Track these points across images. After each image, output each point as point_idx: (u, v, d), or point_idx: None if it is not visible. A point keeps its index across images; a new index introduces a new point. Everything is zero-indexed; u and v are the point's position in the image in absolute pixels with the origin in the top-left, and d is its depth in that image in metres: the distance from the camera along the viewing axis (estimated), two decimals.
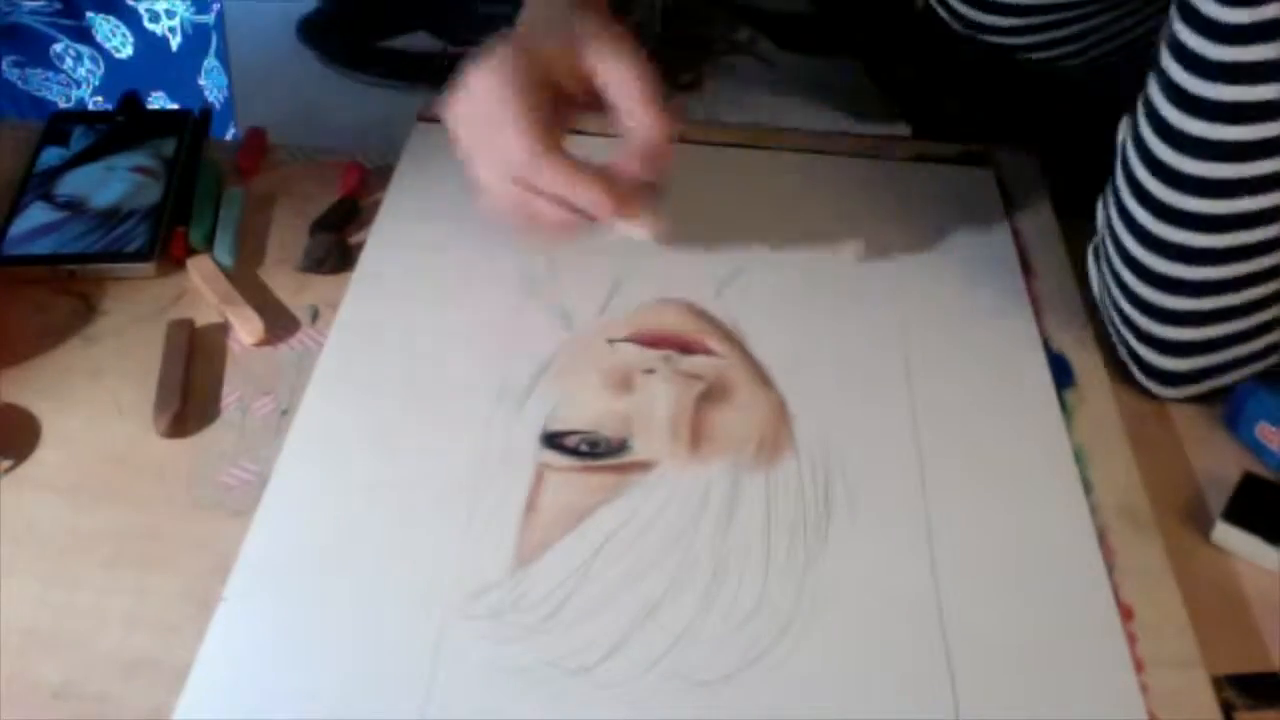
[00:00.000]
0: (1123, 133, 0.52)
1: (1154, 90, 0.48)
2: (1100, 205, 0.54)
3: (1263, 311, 0.50)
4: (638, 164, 0.53)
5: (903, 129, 0.79)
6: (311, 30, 0.79)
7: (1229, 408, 0.53)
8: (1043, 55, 0.65)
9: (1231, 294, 0.49)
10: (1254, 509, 0.48)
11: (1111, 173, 0.52)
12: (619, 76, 0.52)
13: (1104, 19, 0.62)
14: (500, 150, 0.52)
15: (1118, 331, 0.54)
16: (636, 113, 0.52)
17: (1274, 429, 0.50)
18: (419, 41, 0.76)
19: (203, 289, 0.56)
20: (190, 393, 0.51)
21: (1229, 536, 0.48)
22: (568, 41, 0.53)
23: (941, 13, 0.66)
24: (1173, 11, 0.47)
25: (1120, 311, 0.53)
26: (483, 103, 0.52)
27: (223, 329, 0.55)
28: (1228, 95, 0.45)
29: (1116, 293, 0.53)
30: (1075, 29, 0.63)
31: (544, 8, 0.56)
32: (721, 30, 0.79)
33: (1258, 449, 0.52)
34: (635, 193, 0.53)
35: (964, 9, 0.64)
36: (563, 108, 0.54)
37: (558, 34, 0.53)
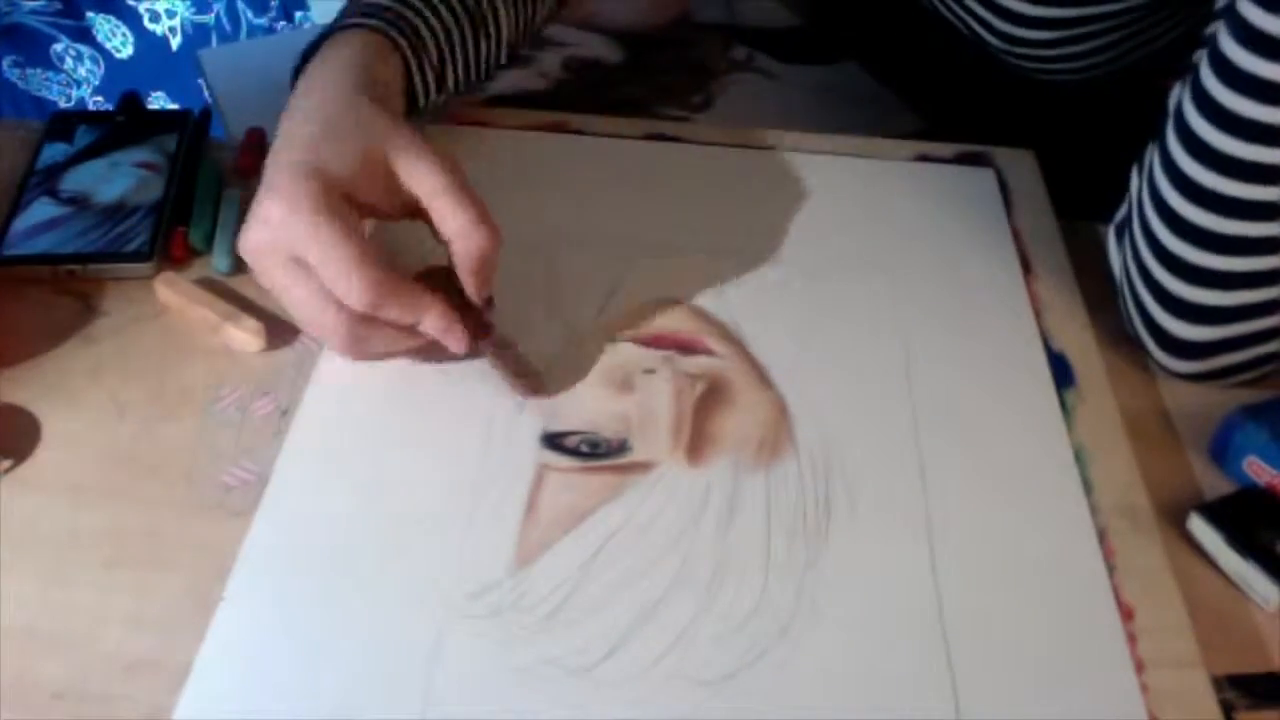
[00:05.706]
0: (1177, 91, 0.51)
1: (1222, 42, 0.47)
2: (1135, 171, 0.54)
3: None
4: (471, 282, 0.50)
5: (911, 125, 0.79)
6: None
7: (1215, 442, 0.52)
8: (1057, 73, 0.65)
9: (1274, 257, 0.49)
10: (1237, 513, 0.48)
11: (1160, 133, 0.51)
12: (431, 186, 0.49)
13: (1120, 35, 0.63)
14: (332, 285, 0.46)
15: (1137, 300, 0.54)
16: (460, 225, 0.49)
17: (1262, 463, 0.49)
18: None
19: (181, 308, 0.55)
20: None
21: (1198, 529, 0.48)
22: (362, 154, 0.48)
23: (977, 27, 0.65)
24: None
25: (1146, 274, 0.52)
26: (287, 235, 0.46)
27: (209, 326, 0.54)
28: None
29: (1146, 254, 0.52)
30: (1094, 44, 0.63)
31: (318, 114, 0.49)
32: (718, 51, 0.79)
33: (1246, 485, 0.50)
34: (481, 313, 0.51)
35: (1003, 24, 0.64)
36: (364, 219, 0.49)
37: (348, 146, 0.48)
